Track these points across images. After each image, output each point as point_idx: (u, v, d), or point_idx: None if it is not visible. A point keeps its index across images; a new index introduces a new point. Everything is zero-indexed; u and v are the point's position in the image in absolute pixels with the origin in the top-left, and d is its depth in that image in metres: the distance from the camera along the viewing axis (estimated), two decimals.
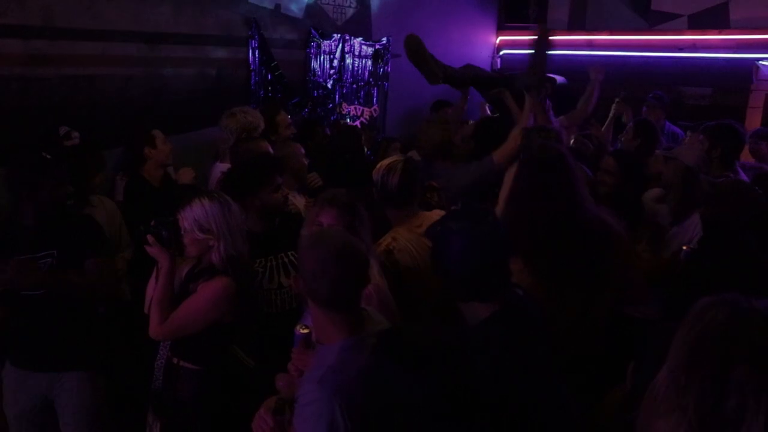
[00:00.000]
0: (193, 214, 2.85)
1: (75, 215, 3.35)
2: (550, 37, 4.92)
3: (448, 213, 2.32)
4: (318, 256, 2.02)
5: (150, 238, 2.79)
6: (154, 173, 4.24)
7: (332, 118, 6.72)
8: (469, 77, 5.16)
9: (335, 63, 6.76)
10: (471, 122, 5.48)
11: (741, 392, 1.12)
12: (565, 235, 2.61)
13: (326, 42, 6.67)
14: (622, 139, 5.23)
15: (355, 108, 7.09)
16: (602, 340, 2.68)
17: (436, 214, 3.14)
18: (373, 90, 7.24)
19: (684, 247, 3.35)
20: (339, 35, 6.76)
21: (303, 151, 4.05)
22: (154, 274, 2.88)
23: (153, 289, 2.89)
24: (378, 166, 3.22)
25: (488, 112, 5.94)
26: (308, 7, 6.48)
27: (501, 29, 9.01)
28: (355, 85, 7.06)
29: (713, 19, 7.57)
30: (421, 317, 2.89)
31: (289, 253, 3.23)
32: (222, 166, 4.13)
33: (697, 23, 7.71)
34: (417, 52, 4.82)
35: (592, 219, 2.72)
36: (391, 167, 3.15)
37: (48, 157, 3.14)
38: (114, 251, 3.63)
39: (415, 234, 3.03)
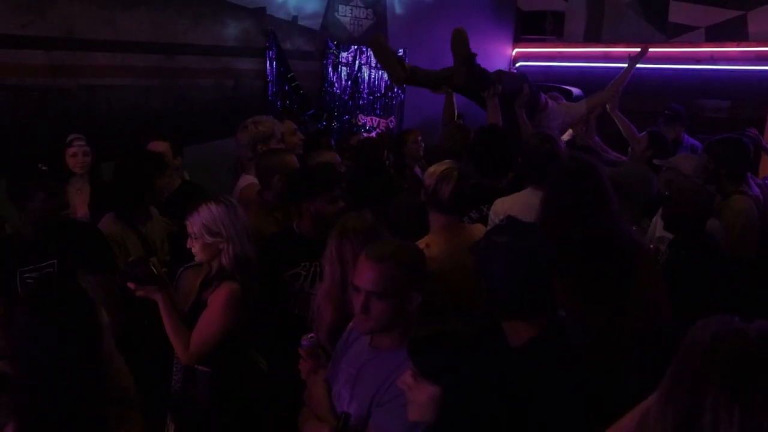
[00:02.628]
0: (201, 219, 2.86)
1: (77, 226, 3.31)
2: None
3: (494, 227, 2.27)
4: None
5: (131, 285, 2.77)
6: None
7: (353, 129, 6.74)
8: (434, 77, 5.01)
9: (352, 74, 6.79)
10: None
11: (714, 409, 1.18)
12: (595, 249, 2.54)
13: (343, 54, 6.70)
14: (630, 149, 5.19)
15: (372, 119, 7.11)
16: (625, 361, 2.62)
17: (478, 229, 3.10)
18: (390, 102, 7.25)
19: (651, 246, 3.35)
20: (355, 47, 6.79)
21: (295, 161, 3.99)
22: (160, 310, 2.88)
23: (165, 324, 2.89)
24: (431, 171, 3.11)
25: None
26: (325, 19, 6.52)
27: (517, 41, 9.02)
28: (371, 97, 7.08)
29: (731, 32, 7.53)
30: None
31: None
32: (248, 178, 4.12)
33: (715, 35, 7.67)
34: (379, 51, 4.78)
35: (623, 235, 2.68)
36: (445, 175, 3.03)
37: (43, 167, 3.14)
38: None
39: (451, 245, 2.95)
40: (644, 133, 5.09)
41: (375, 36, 4.95)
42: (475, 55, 4.67)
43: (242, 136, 4.23)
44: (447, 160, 3.23)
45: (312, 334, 2.57)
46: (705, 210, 3.32)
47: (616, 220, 2.67)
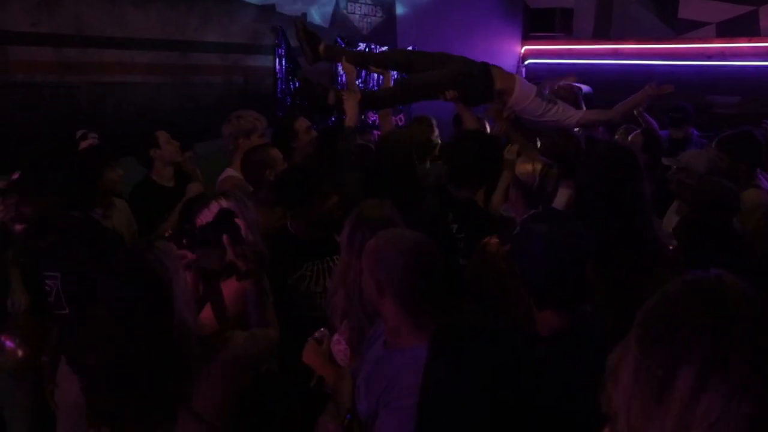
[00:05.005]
0: (212, 215, 2.86)
1: (86, 230, 3.22)
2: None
3: (530, 215, 2.27)
4: (407, 252, 2.02)
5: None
6: (164, 172, 4.28)
7: (362, 127, 6.70)
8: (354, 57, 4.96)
9: (361, 72, 6.77)
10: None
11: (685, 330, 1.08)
12: (619, 247, 2.52)
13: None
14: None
15: None
16: None
17: None
18: None
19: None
20: (365, 44, 6.78)
21: (279, 154, 3.96)
22: None
23: None
24: (527, 168, 3.11)
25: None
26: (334, 16, 6.51)
27: (526, 39, 9.01)
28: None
29: (742, 27, 7.50)
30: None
31: (335, 257, 3.21)
32: (228, 171, 4.17)
33: (726, 31, 7.64)
34: (299, 32, 4.66)
35: (651, 234, 2.65)
36: (547, 171, 3.10)
37: (40, 168, 3.13)
38: None
39: None
40: (637, 132, 5.01)
41: (298, 19, 4.87)
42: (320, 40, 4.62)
43: (225, 129, 4.27)
44: (532, 157, 3.23)
45: (324, 329, 2.59)
46: (733, 209, 3.29)
47: (650, 217, 2.63)
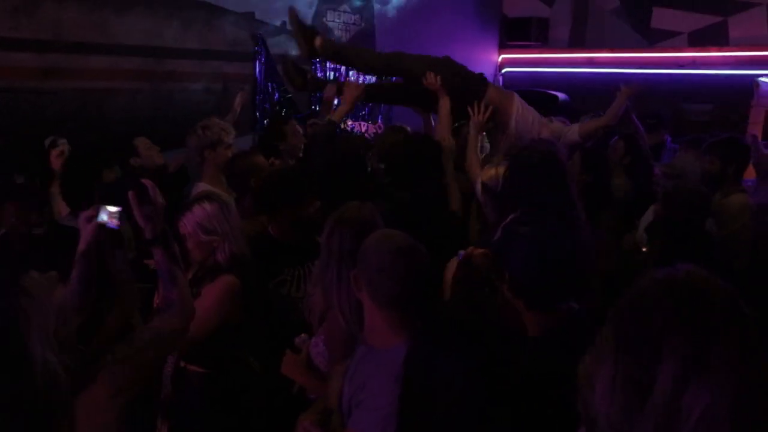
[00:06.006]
0: (195, 218, 2.86)
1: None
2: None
3: (512, 218, 2.27)
4: (384, 253, 2.00)
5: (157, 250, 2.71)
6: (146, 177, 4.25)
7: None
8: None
9: (340, 79, 6.83)
10: None
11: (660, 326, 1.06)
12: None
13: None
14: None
15: (359, 124, 7.14)
16: None
17: None
18: (378, 105, 7.29)
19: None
20: None
21: (264, 160, 3.93)
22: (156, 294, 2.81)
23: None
24: (491, 173, 3.10)
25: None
26: (313, 23, 6.55)
27: (503, 47, 9.12)
28: (359, 101, 7.10)
29: (713, 37, 7.67)
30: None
31: (316, 262, 3.22)
32: (200, 186, 4.00)
33: (697, 40, 7.80)
34: (293, 23, 4.59)
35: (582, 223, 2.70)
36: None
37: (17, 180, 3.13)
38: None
39: None
40: (616, 138, 5.07)
41: (290, 10, 4.73)
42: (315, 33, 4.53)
43: (191, 140, 4.10)
44: (497, 162, 3.25)
45: (305, 335, 2.60)
46: (705, 212, 3.36)
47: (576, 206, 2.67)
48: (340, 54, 4.84)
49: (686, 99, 7.72)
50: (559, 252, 1.96)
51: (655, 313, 1.07)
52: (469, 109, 4.08)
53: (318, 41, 4.49)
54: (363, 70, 5.19)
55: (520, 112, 4.36)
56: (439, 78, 4.23)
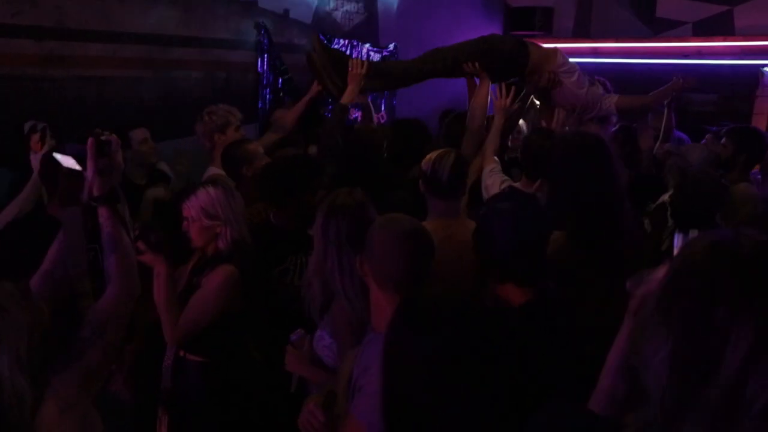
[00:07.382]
0: (199, 203, 2.87)
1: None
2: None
3: (495, 195, 2.38)
4: (390, 237, 2.02)
5: (140, 245, 2.64)
6: (135, 172, 4.24)
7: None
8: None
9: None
10: None
11: (727, 305, 0.96)
12: (607, 219, 2.59)
13: (334, 47, 6.69)
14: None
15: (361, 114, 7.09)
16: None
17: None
18: (381, 96, 7.25)
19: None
20: (346, 40, 6.79)
21: (258, 148, 3.96)
22: (155, 281, 2.77)
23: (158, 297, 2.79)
24: (427, 157, 3.06)
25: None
26: (317, 12, 6.52)
27: None
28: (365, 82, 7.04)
29: (718, 26, 7.62)
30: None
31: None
32: (212, 170, 4.11)
33: (702, 30, 7.76)
34: (314, 68, 4.52)
35: (627, 212, 2.70)
36: (442, 156, 2.98)
37: None
38: None
39: (447, 233, 2.81)
40: (616, 129, 5.03)
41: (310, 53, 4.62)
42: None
43: (198, 127, 4.23)
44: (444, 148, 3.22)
45: (300, 329, 2.57)
46: (719, 202, 3.34)
47: (623, 196, 2.67)
48: (382, 71, 4.67)
49: (690, 89, 7.66)
50: (537, 228, 2.07)
51: (719, 285, 0.97)
52: (492, 93, 4.11)
53: (363, 68, 4.29)
54: (402, 78, 4.87)
55: (564, 61, 4.43)
56: (477, 64, 4.25)
